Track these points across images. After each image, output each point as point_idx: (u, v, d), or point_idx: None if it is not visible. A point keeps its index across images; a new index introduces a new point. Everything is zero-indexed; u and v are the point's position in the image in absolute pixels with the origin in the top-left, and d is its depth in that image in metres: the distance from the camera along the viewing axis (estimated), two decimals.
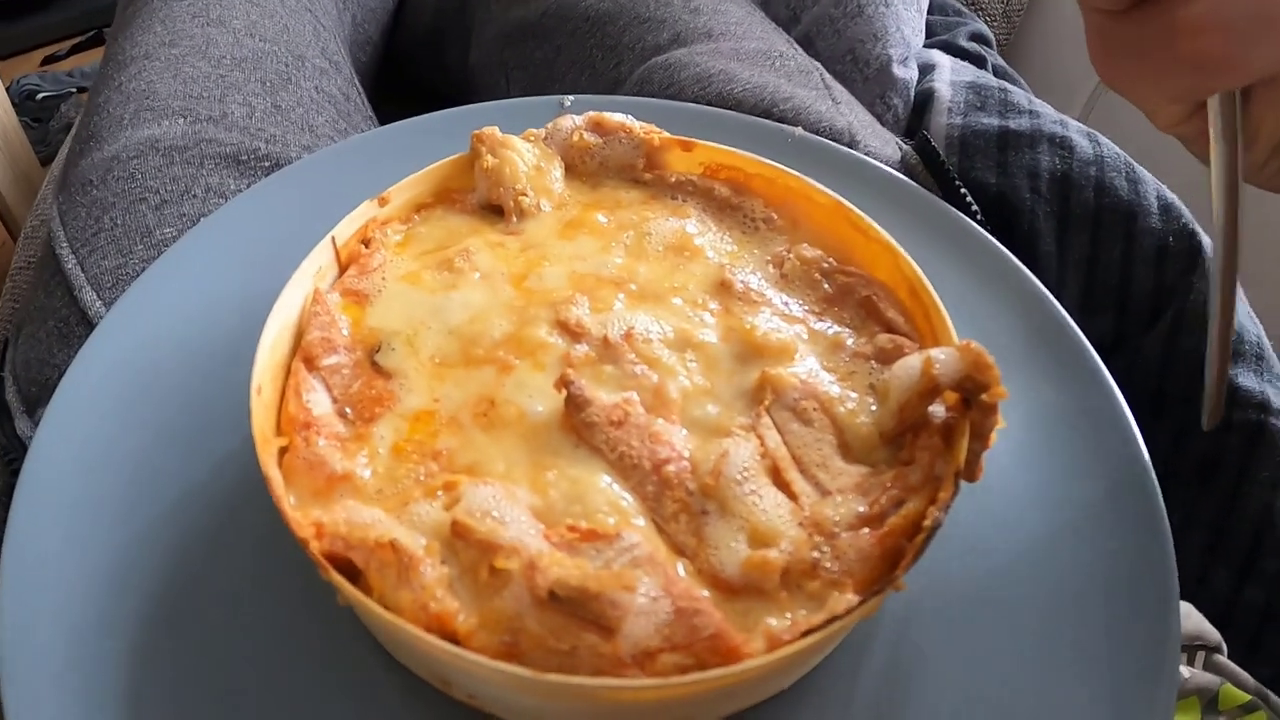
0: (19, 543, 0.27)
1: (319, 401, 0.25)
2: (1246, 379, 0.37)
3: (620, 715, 0.21)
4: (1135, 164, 0.41)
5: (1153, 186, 0.40)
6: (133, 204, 0.36)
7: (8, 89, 0.77)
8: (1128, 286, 0.40)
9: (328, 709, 0.24)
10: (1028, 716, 0.24)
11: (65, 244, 0.36)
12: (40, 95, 0.92)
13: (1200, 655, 0.34)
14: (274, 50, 0.43)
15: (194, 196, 0.36)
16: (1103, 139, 0.42)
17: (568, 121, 0.32)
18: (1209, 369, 0.27)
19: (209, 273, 0.34)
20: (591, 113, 0.32)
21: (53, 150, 0.96)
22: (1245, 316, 0.39)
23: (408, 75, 0.58)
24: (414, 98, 0.59)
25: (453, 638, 0.20)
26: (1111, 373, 0.32)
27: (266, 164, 0.38)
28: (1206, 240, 0.39)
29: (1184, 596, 0.35)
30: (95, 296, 0.34)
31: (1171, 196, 0.40)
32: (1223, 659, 0.34)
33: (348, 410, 0.25)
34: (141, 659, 0.25)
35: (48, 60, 1.02)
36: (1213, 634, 0.33)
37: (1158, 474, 0.42)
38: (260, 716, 0.24)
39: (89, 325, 0.34)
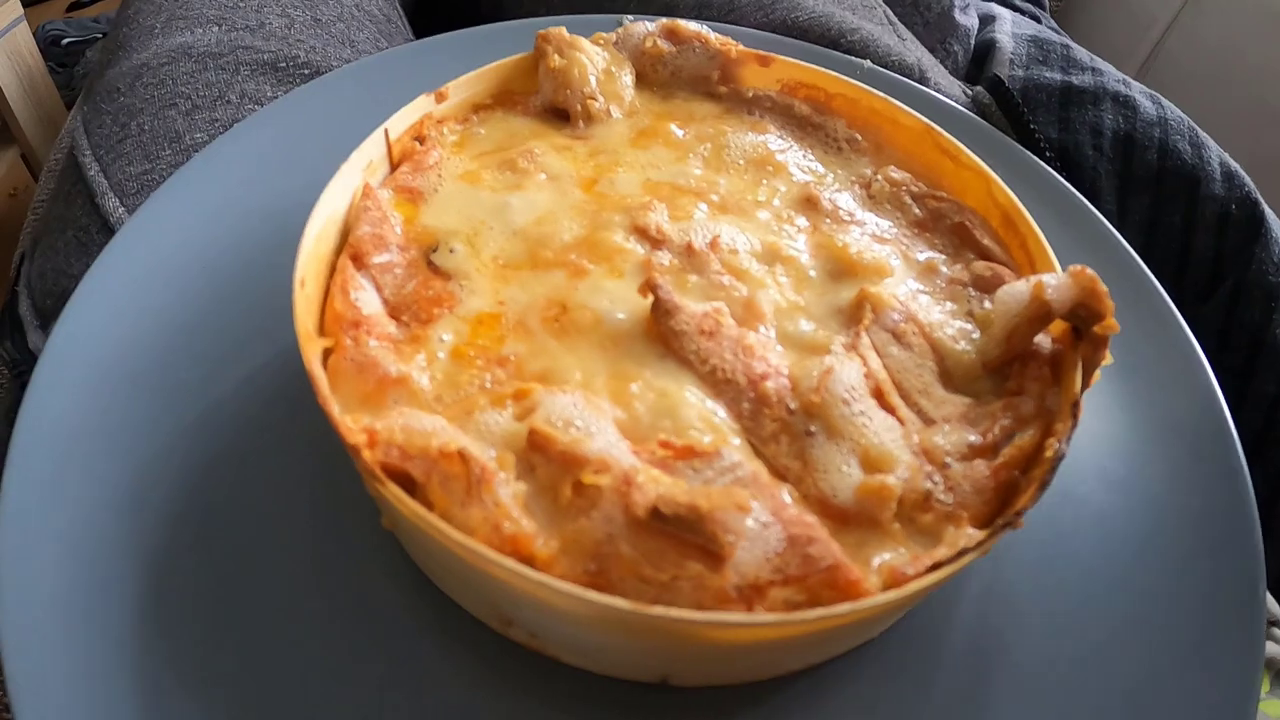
0: (23, 459, 0.22)
1: (368, 301, 0.21)
2: None
3: (707, 656, 0.17)
4: (1199, 129, 0.37)
5: (1216, 153, 0.36)
6: (162, 109, 0.31)
7: (34, 34, 0.70)
8: (1187, 253, 0.36)
9: (359, 650, 0.20)
10: (1111, 676, 0.21)
11: (88, 151, 0.31)
12: (65, 40, 0.85)
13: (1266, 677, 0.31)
14: None
15: (228, 102, 0.31)
16: (1166, 102, 0.38)
17: (640, 27, 0.27)
18: None
19: (241, 180, 0.29)
20: (665, 19, 0.27)
21: (78, 95, 0.89)
22: None
23: (444, 5, 0.52)
24: (451, 24, 0.53)
25: (530, 564, 0.16)
26: None
27: (306, 72, 0.33)
28: (1270, 211, 0.36)
29: None
30: (118, 203, 0.29)
31: (1234, 165, 0.36)
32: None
33: (401, 313, 0.21)
34: (157, 586, 0.20)
35: (74, 6, 0.95)
36: (1275, 607, 0.30)
37: None
38: (284, 652, 0.19)
39: (110, 233, 0.29)
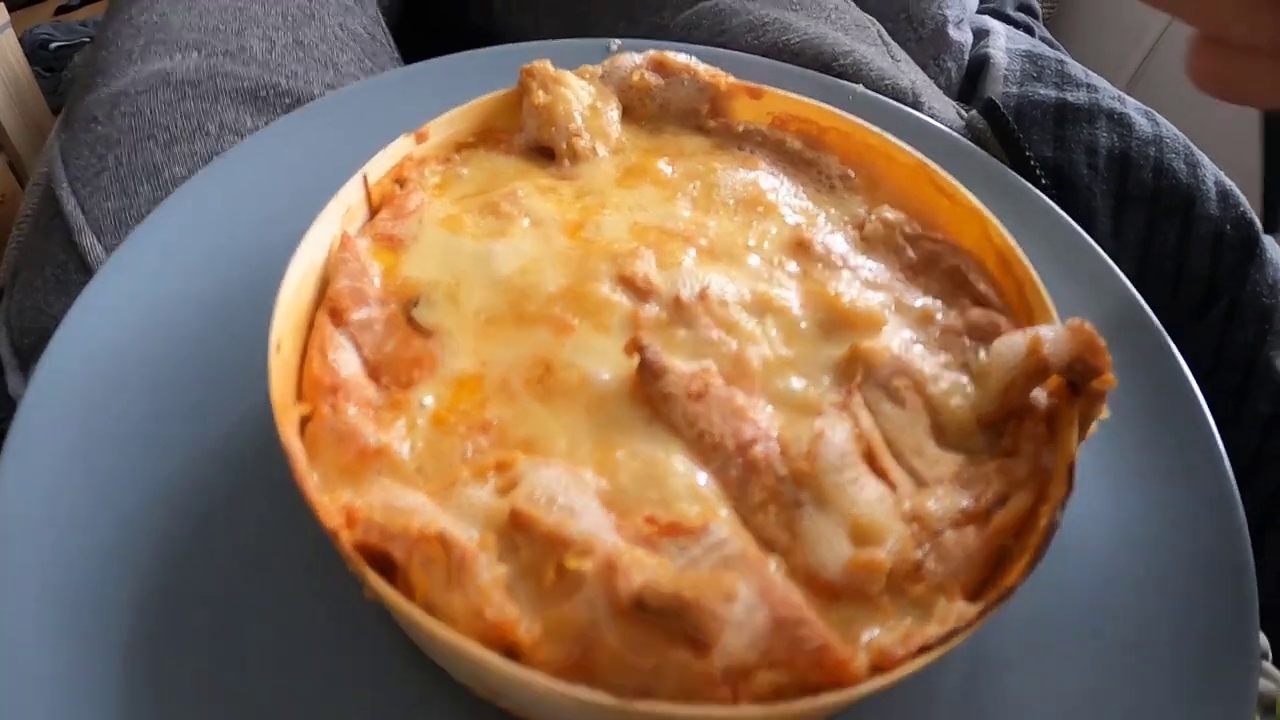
0: (7, 508, 0.21)
1: (347, 362, 0.20)
2: None
3: None
4: (1194, 147, 0.36)
5: (1211, 171, 0.35)
6: (140, 141, 0.30)
7: (20, 39, 0.69)
8: (1181, 272, 0.35)
9: (344, 709, 0.19)
10: None
11: (65, 184, 0.30)
12: (53, 45, 0.83)
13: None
14: None
15: (207, 134, 0.30)
16: (1161, 119, 0.37)
17: (627, 59, 0.26)
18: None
19: (221, 216, 0.28)
20: (653, 51, 0.26)
21: (65, 100, 0.87)
22: None
23: (432, 17, 0.51)
24: (438, 41, 0.52)
25: (513, 650, 0.15)
26: None
27: (287, 100, 0.32)
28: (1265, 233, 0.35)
29: None
30: (95, 241, 0.28)
31: (1230, 183, 0.35)
32: (1269, 665, 0.30)
33: (381, 374, 0.20)
34: (135, 647, 0.20)
35: (61, 10, 0.93)
36: (1263, 641, 0.30)
37: None
38: (269, 709, 0.19)
39: (88, 272, 0.28)
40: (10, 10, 0.75)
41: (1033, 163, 0.31)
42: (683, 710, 0.14)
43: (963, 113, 0.35)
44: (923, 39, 0.40)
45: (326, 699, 0.19)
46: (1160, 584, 0.23)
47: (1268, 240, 0.36)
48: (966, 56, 0.41)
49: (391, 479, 0.18)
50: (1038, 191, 0.31)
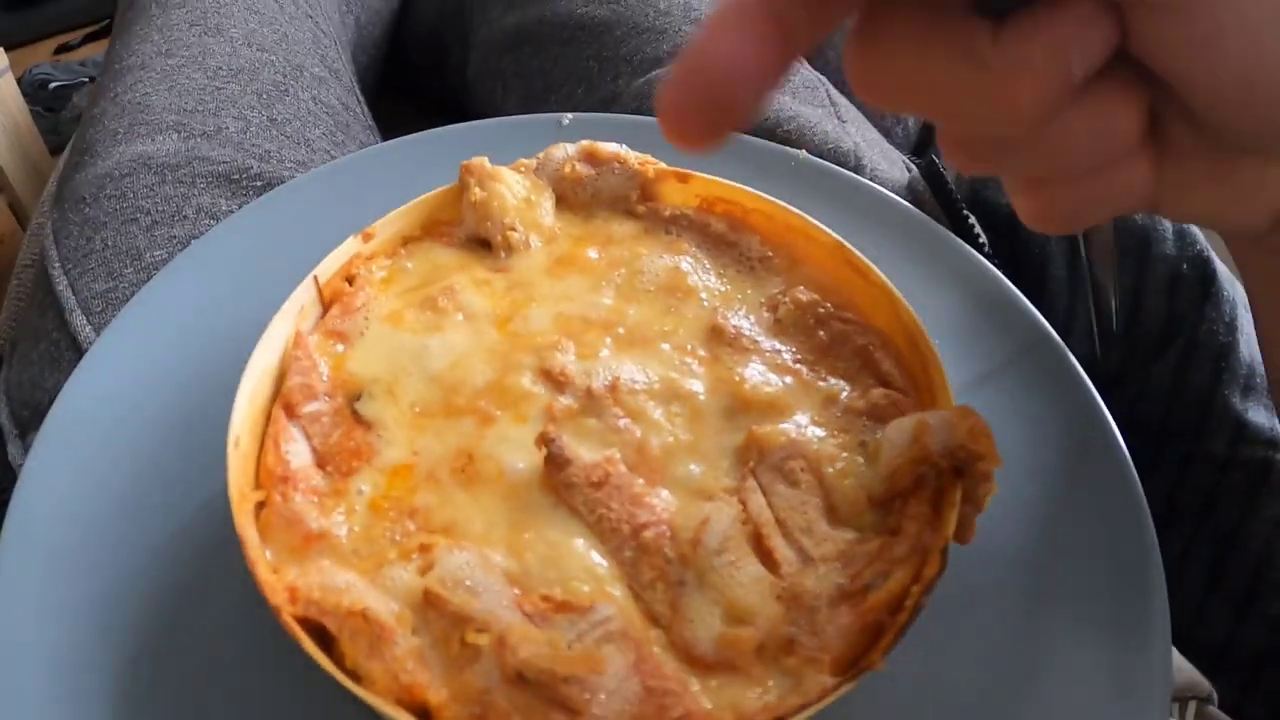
0: (6, 578, 0.27)
1: (298, 453, 0.25)
2: (1257, 414, 0.36)
3: None
4: None
5: None
6: (124, 224, 0.36)
7: (20, 78, 0.78)
8: (1138, 314, 0.39)
9: None
10: None
11: (58, 264, 0.36)
12: (53, 84, 0.93)
13: (1192, 705, 0.33)
14: (271, 60, 0.42)
15: (185, 218, 0.36)
16: None
17: (560, 151, 0.31)
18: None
19: (197, 299, 0.34)
20: (585, 142, 0.31)
21: (64, 139, 0.97)
22: (1257, 350, 0.37)
23: (409, 76, 0.57)
24: (416, 96, 0.58)
25: (423, 709, 0.20)
26: (1119, 402, 0.31)
27: (259, 184, 0.37)
28: (1221, 267, 0.38)
29: (1178, 634, 0.34)
30: (85, 321, 0.34)
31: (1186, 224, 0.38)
32: (1214, 710, 0.33)
33: (327, 463, 0.25)
34: (124, 699, 0.25)
35: (61, 49, 1.03)
36: (1204, 686, 0.33)
37: (1160, 508, 0.41)
38: None
39: (78, 350, 0.34)
40: (10, 49, 0.84)
41: (970, 222, 0.35)
42: None
43: (910, 166, 0.39)
44: None
45: None
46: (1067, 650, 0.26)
47: (1224, 277, 0.39)
48: None
49: (330, 559, 0.23)
50: (972, 250, 0.34)
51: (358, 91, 0.46)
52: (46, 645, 0.26)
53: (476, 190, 0.30)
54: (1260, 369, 0.37)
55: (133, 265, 0.35)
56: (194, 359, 0.32)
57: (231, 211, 0.37)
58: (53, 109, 0.91)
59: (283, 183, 0.38)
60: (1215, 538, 0.38)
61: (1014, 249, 0.39)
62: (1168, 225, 0.38)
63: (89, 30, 1.12)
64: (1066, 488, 0.30)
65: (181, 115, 0.39)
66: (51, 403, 0.32)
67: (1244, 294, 0.38)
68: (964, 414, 0.23)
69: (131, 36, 0.43)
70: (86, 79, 0.91)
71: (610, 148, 0.31)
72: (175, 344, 0.32)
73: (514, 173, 0.31)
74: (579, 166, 0.31)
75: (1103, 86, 0.17)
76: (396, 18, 0.55)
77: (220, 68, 0.41)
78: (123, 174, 0.37)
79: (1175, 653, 0.33)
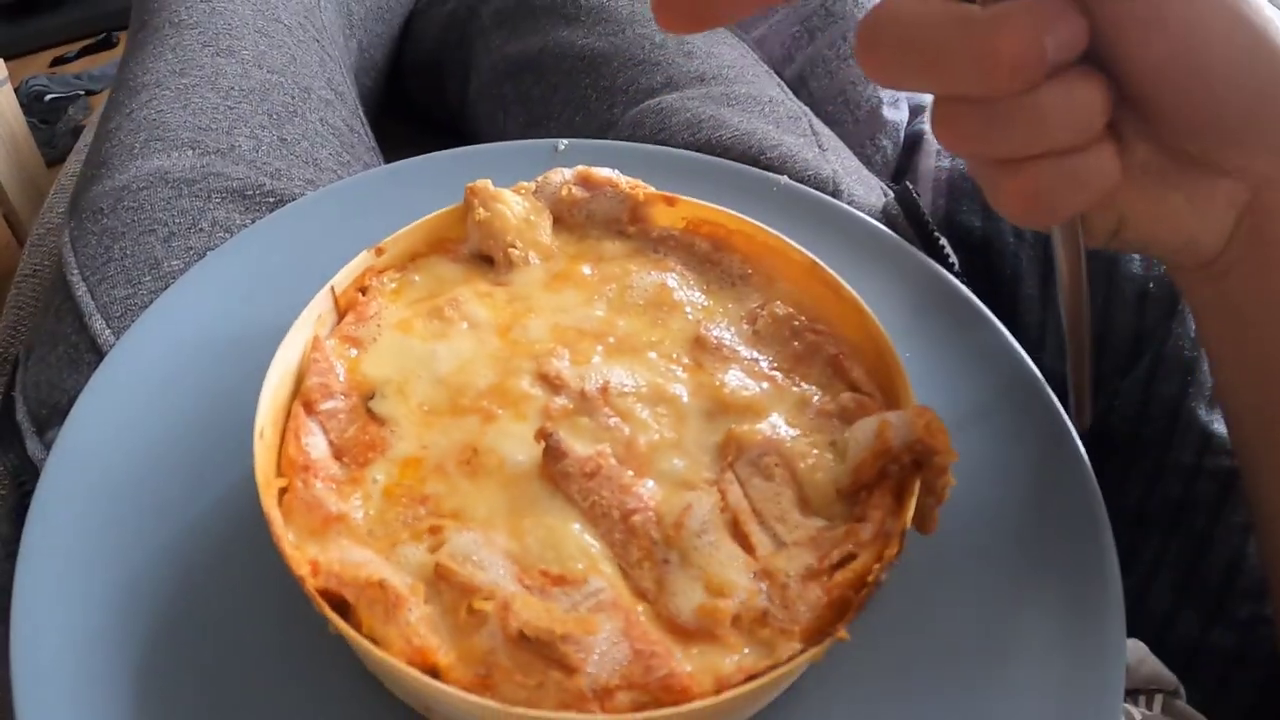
0: (31, 566, 0.30)
1: (316, 445, 0.29)
2: (1222, 425, 0.40)
3: None
4: None
5: None
6: (142, 235, 0.40)
7: (15, 90, 0.82)
8: (1107, 330, 0.43)
9: None
10: None
11: (76, 271, 0.40)
12: (48, 97, 0.97)
13: (1158, 699, 0.37)
14: (281, 82, 0.47)
15: (200, 230, 0.40)
16: None
17: (557, 175, 0.35)
18: (1070, 374, 0.30)
19: (213, 307, 0.38)
20: (580, 167, 0.36)
21: (59, 152, 1.01)
22: None
23: (408, 100, 0.61)
24: (416, 121, 0.62)
25: (434, 670, 0.24)
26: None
27: (271, 200, 0.42)
28: None
29: (1150, 639, 0.38)
30: (104, 325, 0.38)
31: None
32: (1182, 704, 0.37)
33: (344, 454, 0.29)
34: (146, 680, 0.28)
35: (57, 61, 1.07)
36: (1170, 679, 0.36)
37: (1130, 517, 0.44)
38: None
39: (98, 353, 0.37)
40: (8, 60, 0.88)
41: (940, 243, 0.40)
42: (547, 715, 0.22)
43: (887, 192, 0.43)
44: (859, 120, 0.49)
45: (303, 715, 0.27)
46: (1029, 604, 0.30)
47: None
48: (901, 134, 0.49)
49: (348, 539, 0.27)
50: (943, 270, 0.39)
51: (361, 114, 0.51)
52: (70, 630, 0.29)
53: (480, 210, 0.34)
54: None
55: (151, 274, 0.39)
56: (210, 362, 0.36)
57: (245, 226, 0.41)
58: (48, 121, 0.96)
59: (293, 199, 0.42)
60: (1185, 545, 0.41)
61: (988, 268, 0.44)
62: None
63: (85, 44, 1.16)
64: (1029, 485, 0.34)
65: (196, 133, 0.43)
66: (71, 402, 0.35)
67: None
68: (921, 412, 0.27)
69: (145, 54, 0.47)
70: (82, 92, 0.96)
71: (603, 172, 0.36)
72: (192, 347, 0.36)
73: (515, 195, 0.35)
74: (575, 190, 0.35)
75: (1073, 71, 0.22)
76: (398, 44, 0.60)
77: (232, 88, 0.45)
78: (140, 187, 0.41)
79: (1142, 646, 0.37)
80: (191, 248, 0.40)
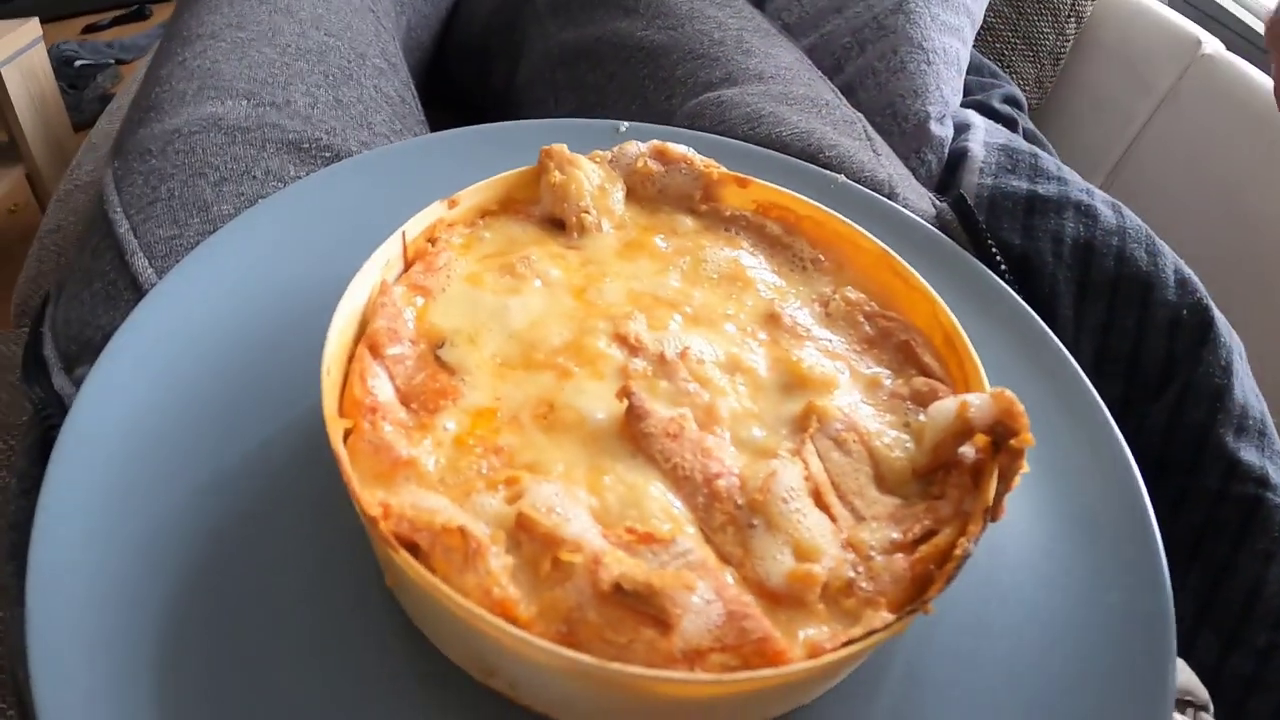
0: (54, 501, 0.28)
1: (382, 388, 0.27)
2: (1249, 453, 0.40)
3: (659, 712, 0.23)
4: (1156, 236, 0.45)
5: (1171, 260, 0.44)
6: (191, 177, 0.38)
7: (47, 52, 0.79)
8: (1139, 355, 0.43)
9: (356, 690, 0.25)
10: None
11: (119, 209, 0.37)
12: (78, 63, 0.94)
13: (1190, 711, 0.36)
14: (338, 45, 0.45)
15: (253, 178, 0.38)
16: (1126, 210, 0.46)
17: (633, 147, 0.35)
18: None
19: (263, 254, 0.36)
20: (655, 141, 0.35)
21: (85, 118, 0.98)
22: (1251, 393, 0.42)
23: (451, 83, 0.60)
24: (455, 105, 0.61)
25: (512, 624, 0.22)
26: None
27: (327, 155, 0.40)
28: (1218, 315, 0.43)
29: None
30: (147, 263, 0.36)
31: (1188, 271, 0.44)
32: (1209, 718, 0.36)
33: (411, 400, 0.27)
34: (170, 628, 0.26)
35: (89, 29, 1.05)
36: (1202, 692, 0.36)
37: None
38: (289, 693, 0.25)
39: (137, 290, 0.35)
40: (41, 23, 0.85)
41: (995, 252, 0.40)
42: (645, 671, 0.21)
43: (936, 202, 0.43)
44: (906, 133, 0.49)
45: (337, 676, 0.25)
46: (1081, 638, 0.29)
47: (1221, 324, 0.44)
48: (946, 150, 0.50)
49: (417, 485, 0.25)
50: (998, 280, 0.39)
51: (412, 86, 0.49)
52: (92, 571, 0.27)
53: (556, 173, 0.33)
54: (1253, 411, 0.41)
55: (199, 216, 0.37)
56: (255, 307, 0.34)
57: (299, 178, 0.39)
58: (75, 86, 0.93)
59: (349, 156, 0.40)
60: (1207, 570, 0.41)
61: (1025, 286, 0.44)
62: (1170, 273, 0.43)
63: (118, 14, 1.14)
64: (1081, 501, 0.33)
65: (252, 84, 0.42)
66: (104, 339, 0.33)
67: (1239, 342, 0.42)
68: (1000, 395, 0.27)
69: (201, 7, 0.46)
70: (112, 61, 0.93)
71: (679, 148, 0.35)
72: (238, 291, 0.34)
73: (590, 162, 0.34)
74: (650, 162, 0.34)
75: None
76: (444, 24, 0.59)
77: (289, 46, 0.44)
78: (192, 131, 0.39)
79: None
80: (243, 194, 0.38)
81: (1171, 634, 0.30)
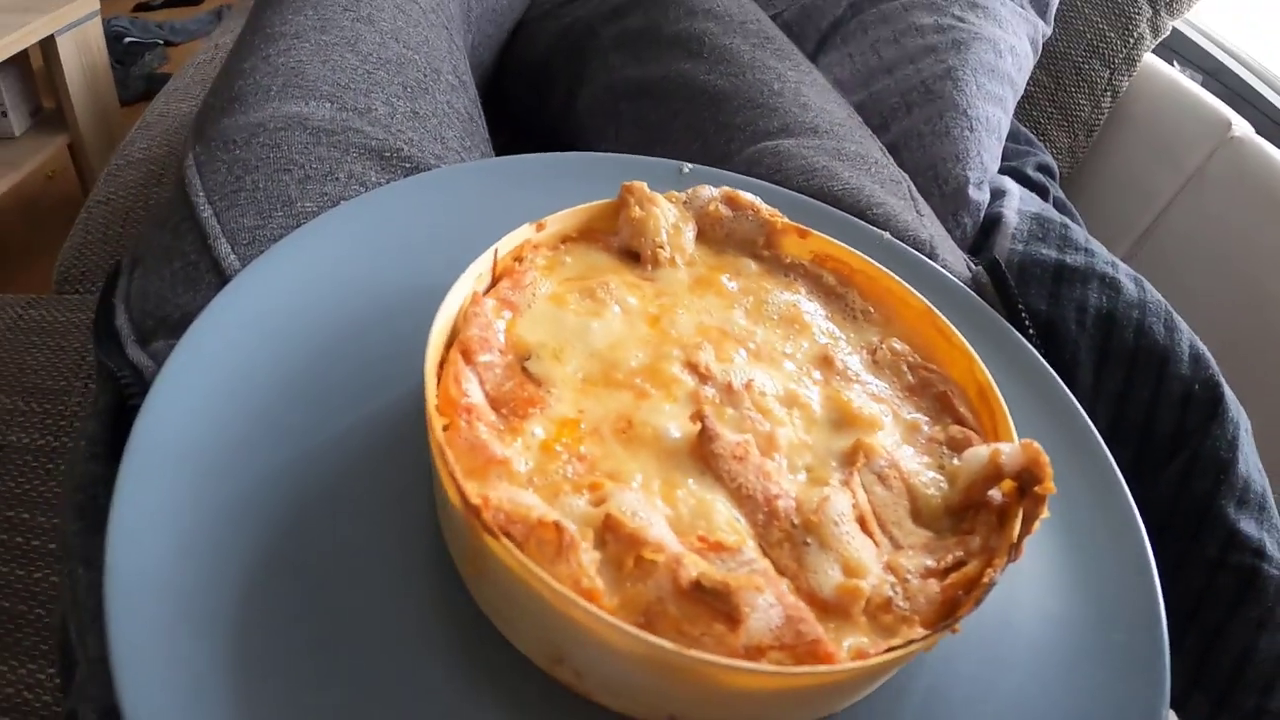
0: (136, 473, 0.32)
1: (473, 392, 0.32)
2: (1248, 525, 0.46)
3: (713, 701, 0.28)
4: (1174, 312, 0.51)
5: (1186, 336, 0.49)
6: (276, 172, 0.42)
7: None
8: (1151, 424, 0.48)
9: (422, 670, 0.29)
10: None
11: (202, 193, 0.42)
12: (127, 39, 0.99)
13: None
14: (415, 59, 0.50)
15: (336, 179, 0.43)
16: (1148, 284, 0.52)
17: (705, 191, 0.40)
18: None
19: (346, 253, 0.40)
20: (726, 188, 0.40)
21: (130, 94, 1.02)
22: (1254, 469, 0.47)
23: (505, 104, 0.66)
24: (509, 126, 0.67)
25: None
26: None
27: (407, 165, 0.45)
28: (1228, 392, 0.48)
29: None
30: (229, 250, 0.40)
31: (1202, 347, 0.49)
32: None
33: (500, 406, 0.32)
34: (248, 598, 0.30)
35: (140, 7, 1.09)
36: None
37: None
38: (359, 667, 0.29)
39: (219, 274, 0.39)
40: None
41: (1024, 317, 0.45)
42: (720, 659, 0.25)
43: (971, 265, 0.49)
44: (945, 195, 0.55)
45: (403, 654, 0.29)
46: (1086, 673, 0.34)
47: (1230, 400, 0.49)
48: (982, 214, 0.56)
49: (508, 483, 0.29)
50: (1025, 342, 0.44)
51: (479, 105, 0.55)
52: (174, 535, 0.30)
53: (636, 209, 0.38)
54: (1255, 486, 0.47)
55: (283, 210, 0.41)
56: (337, 302, 0.39)
57: (380, 184, 0.44)
58: (122, 63, 0.97)
59: (427, 169, 0.45)
60: (1202, 634, 0.46)
61: (1048, 351, 0.49)
62: (1186, 348, 0.49)
63: None
64: (1092, 572, 0.38)
65: (335, 88, 0.46)
66: (182, 317, 0.37)
67: (1246, 418, 0.48)
68: (1028, 445, 0.32)
69: (285, 7, 0.51)
70: (161, 41, 0.98)
71: (747, 197, 0.40)
72: (322, 286, 0.39)
73: (667, 201, 0.39)
74: (720, 207, 0.40)
75: None
76: (505, 47, 0.65)
77: (370, 54, 0.49)
78: (277, 127, 0.44)
79: (1170, 713, 0.42)
80: (326, 194, 0.42)
81: (1166, 673, 0.35)
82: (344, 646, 0.30)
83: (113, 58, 0.96)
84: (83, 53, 0.80)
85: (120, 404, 0.37)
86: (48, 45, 0.82)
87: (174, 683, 0.28)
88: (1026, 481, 0.32)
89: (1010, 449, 0.32)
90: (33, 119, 0.90)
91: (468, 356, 0.33)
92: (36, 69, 0.86)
